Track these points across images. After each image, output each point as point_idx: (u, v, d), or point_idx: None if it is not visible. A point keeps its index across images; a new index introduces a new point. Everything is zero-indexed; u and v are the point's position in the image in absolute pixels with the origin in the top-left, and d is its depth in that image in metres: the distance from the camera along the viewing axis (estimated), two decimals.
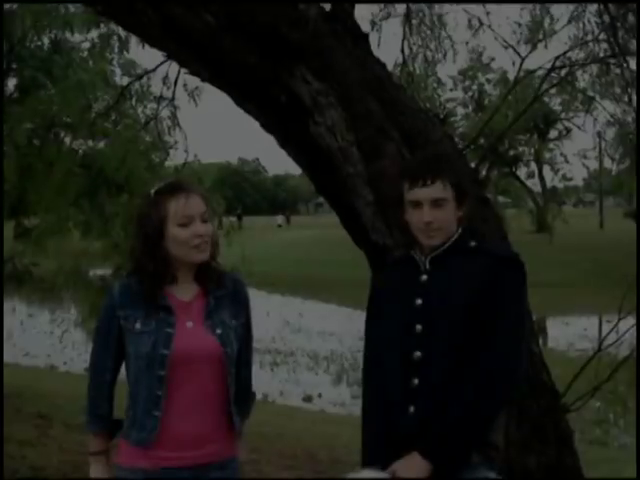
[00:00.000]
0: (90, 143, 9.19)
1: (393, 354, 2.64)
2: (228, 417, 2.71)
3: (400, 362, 2.61)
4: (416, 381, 2.58)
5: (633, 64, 5.63)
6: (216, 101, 9.17)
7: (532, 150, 38.54)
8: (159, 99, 7.65)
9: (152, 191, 2.71)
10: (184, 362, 2.62)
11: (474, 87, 37.39)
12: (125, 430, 2.69)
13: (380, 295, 2.80)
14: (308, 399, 13.18)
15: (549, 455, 3.86)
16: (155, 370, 2.60)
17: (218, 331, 2.67)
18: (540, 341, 4.42)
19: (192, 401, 2.63)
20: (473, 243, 2.69)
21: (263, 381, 14.40)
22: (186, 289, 2.71)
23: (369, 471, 2.56)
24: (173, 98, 7.45)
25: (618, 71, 6.11)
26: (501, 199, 38.45)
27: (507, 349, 2.54)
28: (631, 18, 5.35)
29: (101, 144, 9.21)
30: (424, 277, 2.66)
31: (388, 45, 6.81)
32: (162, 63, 6.68)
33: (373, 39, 4.59)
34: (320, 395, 13.34)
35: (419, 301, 2.63)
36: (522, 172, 41.17)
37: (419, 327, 2.60)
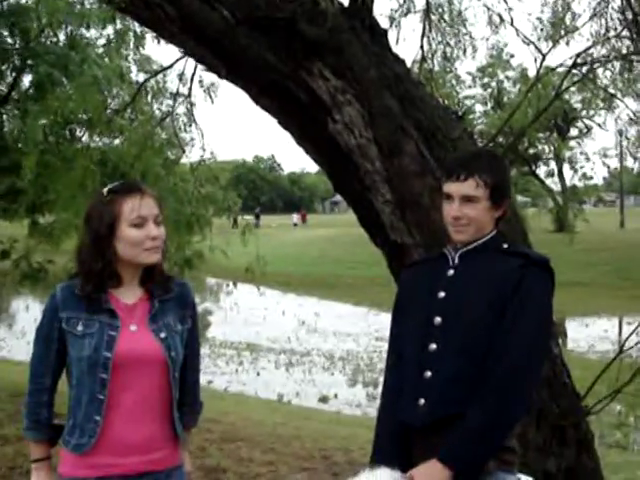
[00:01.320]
0: (106, 140, 9.15)
1: (412, 345, 2.63)
2: (171, 424, 2.63)
3: (416, 353, 2.60)
4: (429, 374, 2.55)
5: None
6: (232, 98, 9.15)
7: (552, 148, 38.30)
8: (175, 96, 7.60)
9: (105, 190, 2.62)
10: (127, 366, 2.54)
11: (493, 84, 37.27)
12: (65, 436, 2.61)
13: (406, 292, 2.80)
14: (324, 400, 13.12)
15: (569, 458, 3.82)
16: (97, 373, 2.53)
17: (162, 335, 2.60)
18: (560, 342, 4.36)
19: (134, 406, 2.56)
20: (505, 245, 2.69)
21: (278, 382, 14.37)
22: (130, 292, 2.64)
23: (383, 470, 2.50)
24: (189, 95, 7.39)
25: None
26: (520, 198, 38.22)
27: (528, 350, 2.50)
28: None
29: (117, 141, 9.18)
30: (451, 272, 2.66)
31: (407, 41, 6.77)
32: (179, 59, 6.62)
33: (392, 35, 4.54)
34: (336, 396, 13.28)
35: (442, 294, 2.62)
36: (542, 171, 41.02)
37: (438, 320, 2.59)
